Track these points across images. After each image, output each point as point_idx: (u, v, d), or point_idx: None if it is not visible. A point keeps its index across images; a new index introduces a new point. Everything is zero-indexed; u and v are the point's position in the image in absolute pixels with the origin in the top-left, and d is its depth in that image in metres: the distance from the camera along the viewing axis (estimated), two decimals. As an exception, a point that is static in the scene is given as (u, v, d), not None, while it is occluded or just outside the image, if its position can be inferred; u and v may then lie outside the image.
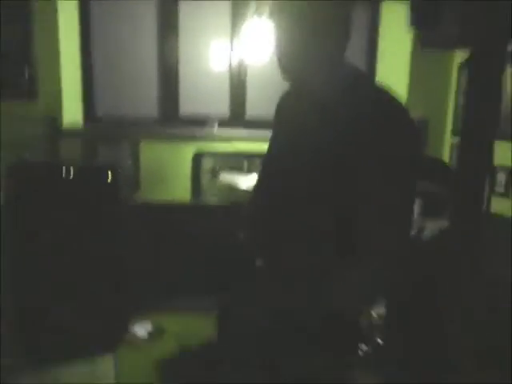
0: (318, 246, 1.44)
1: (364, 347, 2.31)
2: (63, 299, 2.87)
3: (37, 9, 3.16)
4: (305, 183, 1.46)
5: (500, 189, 3.31)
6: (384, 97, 1.46)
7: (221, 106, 3.82)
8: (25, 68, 3.19)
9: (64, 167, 2.87)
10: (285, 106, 1.66)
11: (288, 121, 1.60)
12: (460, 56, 3.77)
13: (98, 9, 3.52)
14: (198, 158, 3.57)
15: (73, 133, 3.35)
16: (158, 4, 3.60)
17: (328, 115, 1.44)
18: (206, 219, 3.45)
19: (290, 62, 1.47)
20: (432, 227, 2.83)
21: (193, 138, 3.60)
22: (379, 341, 2.50)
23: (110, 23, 3.55)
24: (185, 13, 3.64)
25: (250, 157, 3.62)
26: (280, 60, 1.49)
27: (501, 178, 3.32)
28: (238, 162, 3.62)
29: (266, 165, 1.71)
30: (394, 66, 3.90)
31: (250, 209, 1.75)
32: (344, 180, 1.39)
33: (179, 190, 3.58)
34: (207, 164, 3.59)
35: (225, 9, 3.70)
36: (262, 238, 1.61)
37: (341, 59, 1.49)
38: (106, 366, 2.90)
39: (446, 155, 3.97)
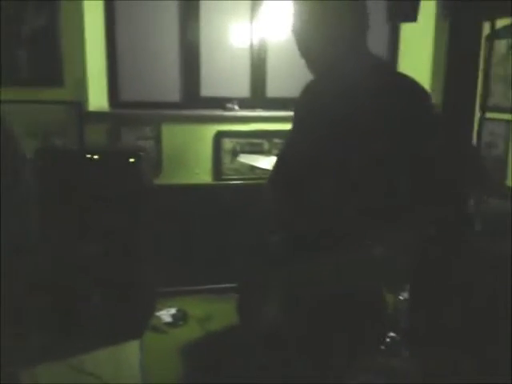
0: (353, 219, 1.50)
1: (391, 334, 2.35)
2: (90, 284, 3.00)
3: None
4: (337, 164, 1.50)
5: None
6: (406, 82, 1.53)
7: (242, 86, 3.88)
8: (51, 55, 3.30)
9: (88, 151, 2.99)
10: (311, 92, 1.70)
11: (315, 107, 1.64)
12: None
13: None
14: (218, 139, 3.65)
15: (98, 117, 3.46)
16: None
17: (354, 101, 1.48)
18: (227, 200, 3.54)
19: (312, 52, 1.57)
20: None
21: (213, 119, 3.67)
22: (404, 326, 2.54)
23: (133, 9, 3.62)
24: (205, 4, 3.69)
25: (270, 137, 3.68)
26: (301, 50, 1.57)
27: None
28: (259, 142, 3.69)
29: (291, 146, 1.74)
30: (416, 53, 3.89)
31: (272, 186, 1.79)
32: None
33: (201, 171, 3.68)
34: (228, 145, 3.66)
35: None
36: (288, 212, 1.66)
37: (362, 47, 1.55)
38: (131, 351, 3.00)
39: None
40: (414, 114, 1.46)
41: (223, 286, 3.46)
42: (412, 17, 2.32)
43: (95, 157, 2.95)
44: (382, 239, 1.44)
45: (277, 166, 1.68)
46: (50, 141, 3.18)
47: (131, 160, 3.01)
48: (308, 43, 1.56)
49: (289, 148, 1.70)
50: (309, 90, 1.65)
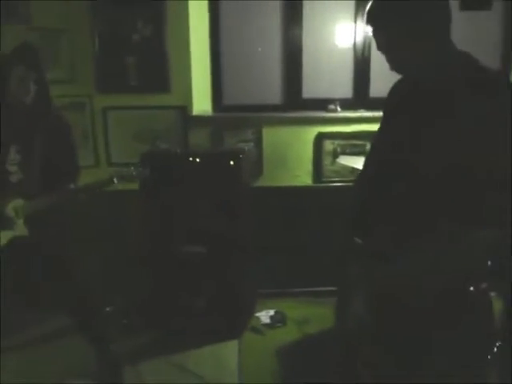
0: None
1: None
2: (191, 285, 3.10)
3: (169, 8, 3.41)
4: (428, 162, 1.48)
5: None
6: (487, 77, 1.47)
7: (344, 87, 3.82)
8: (158, 62, 3.46)
9: (191, 154, 3.10)
10: (399, 92, 1.69)
11: (401, 107, 1.63)
12: None
13: (226, 3, 3.69)
14: (319, 141, 3.62)
15: (201, 121, 3.58)
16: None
17: (442, 103, 1.48)
18: (328, 202, 3.50)
19: (395, 64, 1.58)
20: None
21: (314, 121, 3.65)
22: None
23: (236, 13, 3.71)
24: (308, 6, 3.68)
25: (372, 138, 3.58)
26: (388, 61, 1.56)
27: None
28: (360, 143, 3.61)
29: (376, 147, 1.73)
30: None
31: (357, 187, 1.78)
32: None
33: (301, 173, 3.67)
34: (329, 146, 3.62)
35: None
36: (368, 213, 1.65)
37: (445, 50, 1.52)
38: (229, 351, 3.05)
39: None
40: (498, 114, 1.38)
41: (322, 289, 3.43)
42: (486, 6, 2.16)
43: (197, 159, 3.05)
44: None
45: (363, 167, 1.66)
46: (156, 145, 3.33)
47: (231, 162, 3.07)
48: (394, 58, 1.58)
49: (374, 149, 1.66)
50: (396, 90, 1.62)
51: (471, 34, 3.54)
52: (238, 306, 3.20)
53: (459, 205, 1.42)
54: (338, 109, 3.70)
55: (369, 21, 1.56)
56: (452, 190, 1.42)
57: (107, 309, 3.28)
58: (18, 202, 2.48)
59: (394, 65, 1.58)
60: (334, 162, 3.59)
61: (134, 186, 2.88)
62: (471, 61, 1.51)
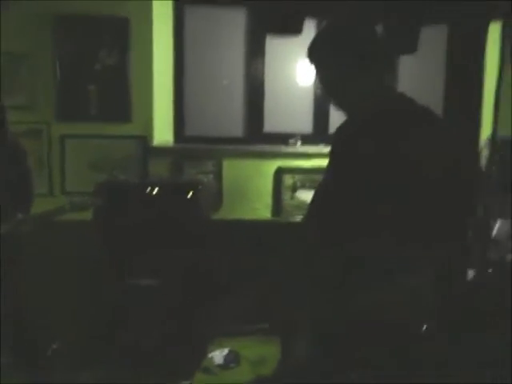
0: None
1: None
2: (141, 320, 3.02)
3: (132, 38, 3.42)
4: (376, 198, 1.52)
5: None
6: (428, 118, 1.54)
7: (304, 123, 3.88)
8: (120, 91, 3.45)
9: (148, 184, 3.07)
10: (344, 134, 1.72)
11: (347, 149, 1.65)
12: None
13: (190, 36, 3.74)
14: (279, 175, 3.65)
15: (162, 152, 3.56)
16: (246, 30, 3.75)
17: (385, 139, 1.52)
18: (285, 236, 3.50)
19: (335, 100, 1.65)
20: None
21: (275, 155, 3.68)
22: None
23: (200, 46, 3.75)
24: (271, 42, 3.74)
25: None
26: (329, 96, 1.61)
27: None
28: (319, 178, 3.64)
29: (328, 185, 1.74)
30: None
31: (306, 225, 1.79)
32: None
33: (261, 206, 3.68)
34: (288, 181, 3.65)
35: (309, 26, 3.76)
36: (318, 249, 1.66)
37: (383, 90, 1.55)
38: None
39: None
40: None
41: (277, 325, 3.39)
42: (411, 48, 2.25)
43: (155, 190, 3.03)
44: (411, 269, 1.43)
45: (311, 205, 1.68)
46: (114, 175, 3.29)
47: (190, 193, 3.06)
48: (335, 94, 1.64)
49: (322, 188, 1.69)
50: (341, 131, 1.66)
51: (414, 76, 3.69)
52: (191, 345, 3.13)
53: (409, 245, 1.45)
54: (299, 143, 3.75)
55: (309, 57, 1.60)
56: (407, 225, 1.46)
57: (53, 345, 3.15)
58: None
59: (335, 101, 1.63)
60: (293, 196, 3.61)
61: (88, 215, 2.84)
62: (407, 99, 1.56)
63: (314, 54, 1.59)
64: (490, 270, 2.80)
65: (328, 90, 1.63)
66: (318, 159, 3.68)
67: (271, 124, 3.86)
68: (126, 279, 3.02)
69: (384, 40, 1.56)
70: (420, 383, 1.54)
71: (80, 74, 3.41)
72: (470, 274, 2.73)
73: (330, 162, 1.70)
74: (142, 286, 2.99)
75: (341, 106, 1.65)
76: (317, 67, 1.60)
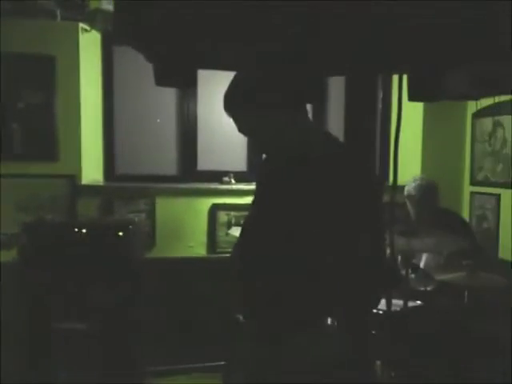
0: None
1: None
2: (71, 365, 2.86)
3: (58, 74, 3.34)
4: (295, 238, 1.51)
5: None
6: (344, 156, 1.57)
7: (238, 161, 3.88)
8: (46, 129, 3.34)
9: (77, 225, 2.95)
10: (266, 170, 1.74)
11: (271, 184, 1.66)
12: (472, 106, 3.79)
13: (120, 74, 3.70)
14: (213, 212, 3.61)
15: (91, 191, 3.45)
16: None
17: (301, 176, 1.55)
18: (219, 274, 3.44)
19: (259, 145, 1.68)
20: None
21: (209, 193, 3.65)
22: None
23: (131, 84, 3.71)
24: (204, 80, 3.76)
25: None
26: (249, 140, 1.63)
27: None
28: (254, 215, 3.63)
29: (253, 219, 1.74)
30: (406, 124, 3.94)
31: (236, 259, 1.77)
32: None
33: (195, 244, 3.61)
34: (223, 218, 3.62)
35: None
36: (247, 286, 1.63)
37: (304, 129, 1.58)
38: None
39: (465, 205, 3.91)
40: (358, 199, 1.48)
41: (213, 364, 3.30)
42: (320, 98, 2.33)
43: (83, 231, 2.91)
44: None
45: (239, 240, 1.67)
46: (40, 215, 3.15)
47: (120, 233, 2.96)
48: (255, 139, 1.65)
49: (247, 220, 1.70)
50: (262, 168, 1.68)
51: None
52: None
53: (341, 286, 1.44)
54: (232, 181, 3.74)
55: (225, 107, 1.59)
56: (330, 271, 1.45)
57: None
58: None
59: (257, 146, 1.64)
60: (228, 233, 3.57)
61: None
62: (332, 138, 1.59)
63: (229, 103, 1.58)
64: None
65: (248, 135, 1.63)
66: (252, 196, 3.67)
67: (205, 162, 3.84)
68: (51, 323, 2.85)
69: (293, 86, 1.54)
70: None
71: (3, 113, 3.28)
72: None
73: (254, 196, 1.70)
74: (69, 331, 2.83)
75: (263, 150, 1.68)
76: (233, 117, 1.58)
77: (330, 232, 1.44)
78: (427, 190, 3.25)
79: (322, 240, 1.45)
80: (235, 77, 1.57)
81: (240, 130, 1.58)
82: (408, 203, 3.32)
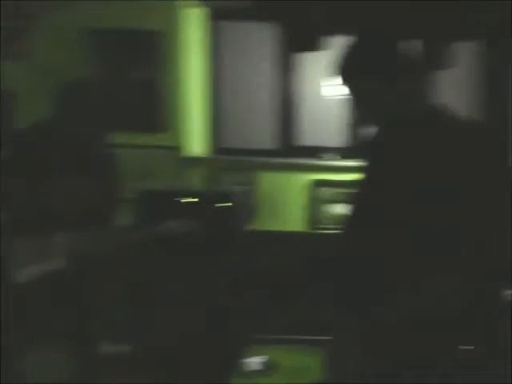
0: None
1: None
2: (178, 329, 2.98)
3: (166, 49, 3.45)
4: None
5: None
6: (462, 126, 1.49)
7: (339, 136, 3.83)
8: (155, 102, 3.47)
9: (184, 194, 3.05)
10: (377, 142, 1.69)
11: (383, 157, 1.62)
12: None
13: (224, 49, 3.76)
14: (315, 188, 3.59)
15: (196, 162, 3.55)
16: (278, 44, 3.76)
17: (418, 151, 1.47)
18: (321, 250, 3.44)
19: (365, 114, 1.60)
20: None
21: (310, 168, 3.64)
22: None
23: (234, 59, 3.76)
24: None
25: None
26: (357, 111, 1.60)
27: None
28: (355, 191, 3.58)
29: (364, 193, 1.71)
30: None
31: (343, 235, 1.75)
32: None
33: (295, 218, 3.63)
34: (324, 194, 3.60)
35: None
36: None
37: (413, 102, 1.52)
38: None
39: None
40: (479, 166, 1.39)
41: (317, 337, 3.30)
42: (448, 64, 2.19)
43: (190, 200, 3.00)
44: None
45: (347, 217, 1.64)
46: (150, 184, 3.28)
47: (224, 204, 3.02)
48: (363, 109, 1.58)
49: (357, 200, 1.66)
50: (373, 142, 1.63)
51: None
52: (227, 350, 3.08)
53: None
54: (334, 157, 3.70)
55: (338, 74, 1.55)
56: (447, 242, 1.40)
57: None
58: None
59: (364, 115, 1.60)
60: (328, 209, 3.55)
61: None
62: (444, 108, 1.51)
63: (341, 72, 1.55)
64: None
65: (356, 104, 1.59)
66: (354, 173, 3.62)
67: (305, 138, 3.83)
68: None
69: (416, 55, 1.49)
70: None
71: (117, 86, 3.43)
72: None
73: (365, 175, 1.66)
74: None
75: (371, 120, 1.61)
76: (345, 83, 1.55)
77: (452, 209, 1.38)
78: None
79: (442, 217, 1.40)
80: (352, 42, 1.55)
81: (349, 96, 1.56)
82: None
